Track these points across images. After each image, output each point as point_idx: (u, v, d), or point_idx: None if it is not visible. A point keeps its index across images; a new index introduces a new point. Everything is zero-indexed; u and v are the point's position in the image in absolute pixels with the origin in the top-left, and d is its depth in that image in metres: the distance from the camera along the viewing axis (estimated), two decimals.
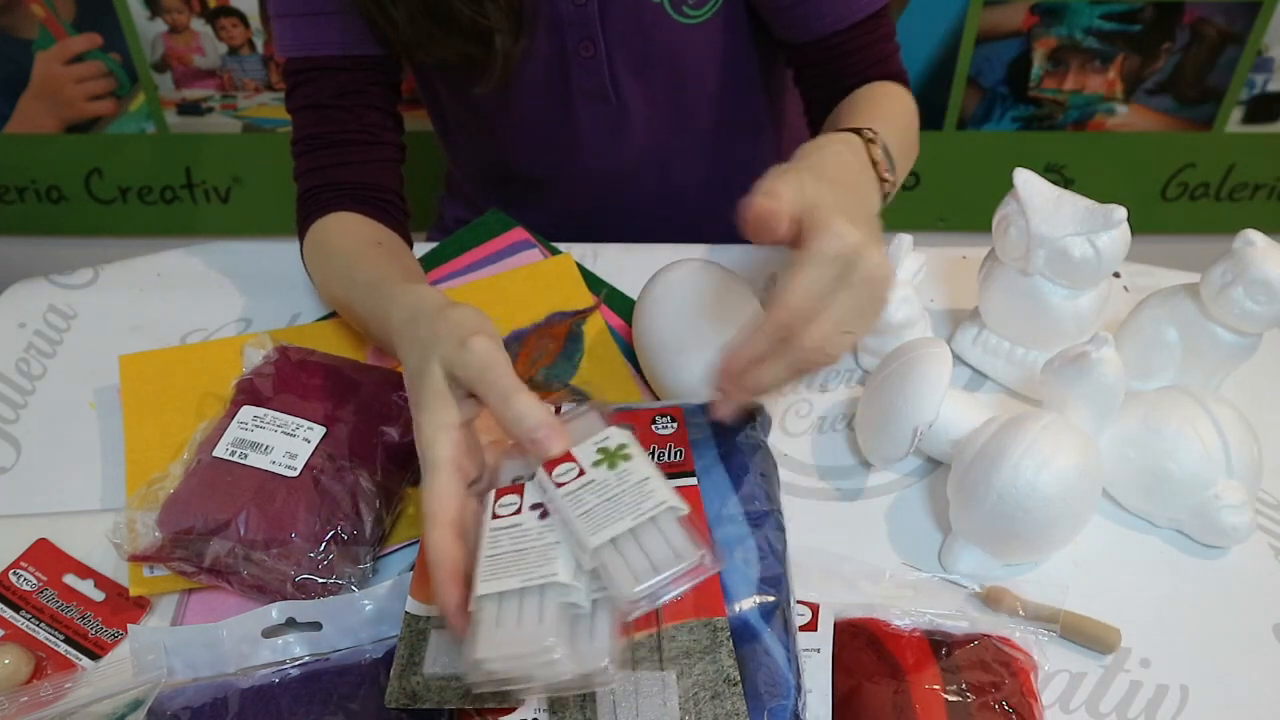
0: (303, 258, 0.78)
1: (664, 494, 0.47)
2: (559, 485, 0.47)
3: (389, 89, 0.81)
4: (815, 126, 0.85)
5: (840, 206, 0.52)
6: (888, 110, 0.76)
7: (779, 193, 0.52)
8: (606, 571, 0.45)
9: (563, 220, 0.91)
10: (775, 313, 0.51)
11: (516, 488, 0.49)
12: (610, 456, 0.48)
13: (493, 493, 0.50)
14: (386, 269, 0.70)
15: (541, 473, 0.48)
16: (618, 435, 0.50)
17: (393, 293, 0.61)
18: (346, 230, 0.75)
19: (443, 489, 0.49)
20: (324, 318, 0.80)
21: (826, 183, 0.55)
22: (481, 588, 0.45)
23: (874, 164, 0.65)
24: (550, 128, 0.87)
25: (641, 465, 0.48)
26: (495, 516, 0.48)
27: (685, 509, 0.47)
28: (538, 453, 0.49)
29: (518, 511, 0.48)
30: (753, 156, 0.95)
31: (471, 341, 0.50)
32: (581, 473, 0.48)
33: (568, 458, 0.48)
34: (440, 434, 0.50)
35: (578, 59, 0.81)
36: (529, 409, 0.49)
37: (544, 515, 0.48)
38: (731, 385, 0.54)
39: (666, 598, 0.45)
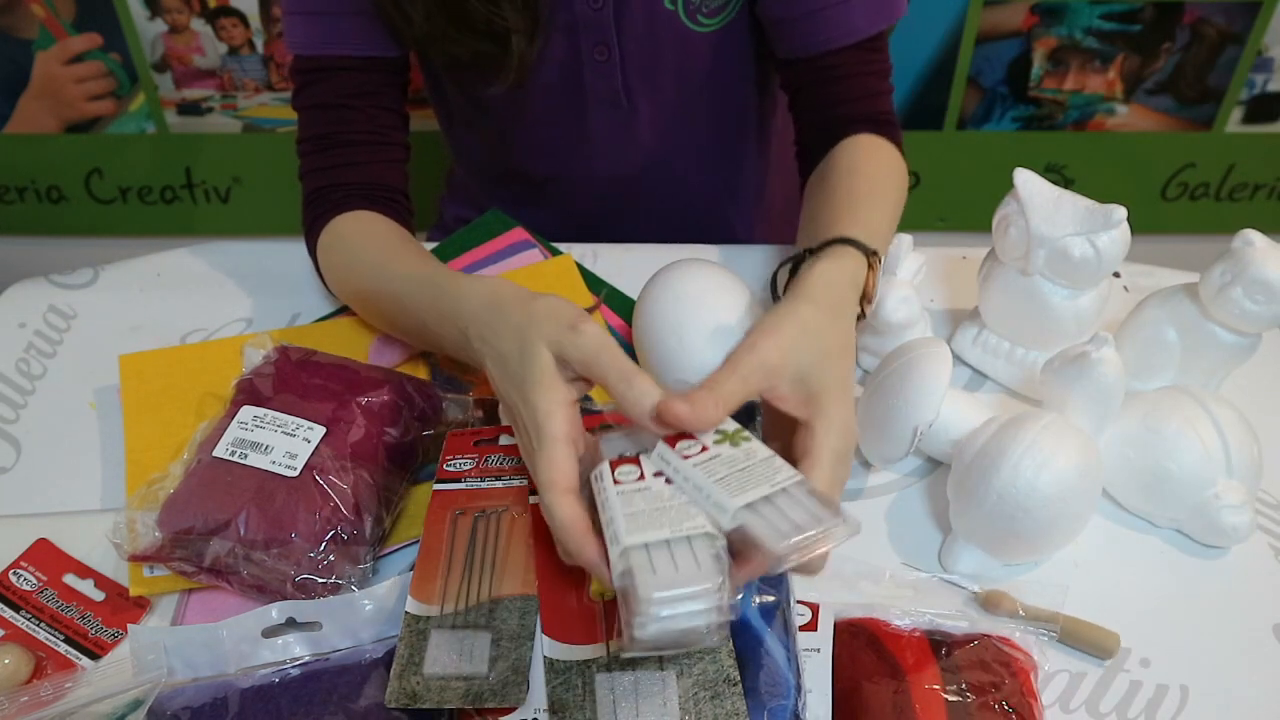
0: (313, 255, 0.78)
1: (792, 470, 0.48)
2: (685, 458, 0.49)
3: (398, 89, 0.81)
4: (803, 153, 0.82)
5: (839, 382, 0.54)
6: (886, 192, 0.73)
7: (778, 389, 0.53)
8: (749, 531, 0.45)
9: (566, 220, 0.91)
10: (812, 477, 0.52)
11: (632, 459, 0.50)
12: (730, 437, 0.50)
13: (607, 463, 0.50)
14: (428, 263, 0.70)
15: (664, 446, 0.49)
16: (732, 423, 0.51)
17: (457, 283, 0.62)
18: (370, 227, 0.75)
19: (561, 459, 0.50)
20: (324, 318, 0.80)
21: (822, 355, 0.54)
22: (628, 539, 0.45)
23: (864, 293, 0.64)
24: (561, 129, 0.87)
25: (762, 447, 0.49)
26: (616, 483, 0.49)
27: (815, 484, 0.48)
28: (662, 428, 0.50)
29: (640, 478, 0.49)
30: (759, 164, 0.96)
31: (583, 326, 0.52)
32: (705, 449, 0.49)
33: (688, 435, 0.50)
34: (556, 409, 0.51)
35: (592, 62, 0.81)
36: (651, 388, 0.50)
37: (668, 482, 0.49)
38: None
39: (807, 558, 0.45)
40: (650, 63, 0.82)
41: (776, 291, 0.68)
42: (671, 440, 0.50)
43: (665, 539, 0.46)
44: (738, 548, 0.46)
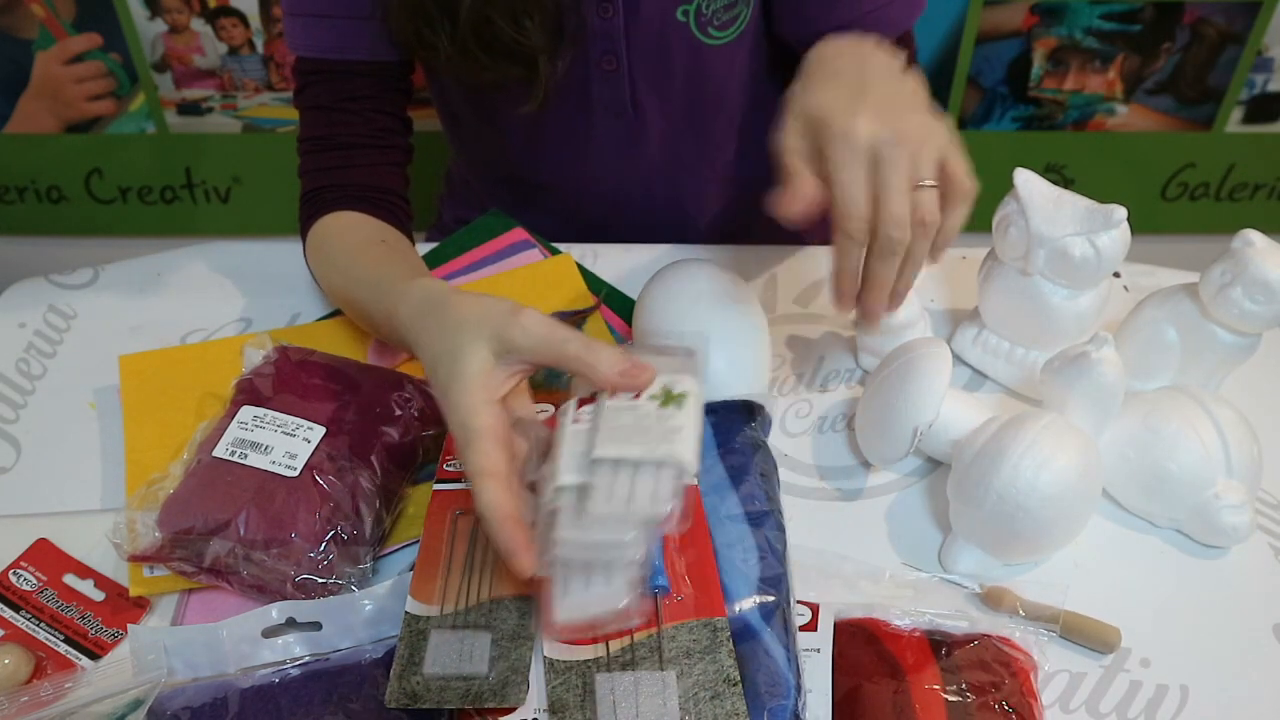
0: (305, 256, 0.78)
1: (688, 455, 0.48)
2: (609, 400, 0.51)
3: (399, 93, 0.81)
4: None
5: (851, 100, 0.56)
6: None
7: (793, 165, 0.56)
8: (591, 488, 0.48)
9: (567, 224, 0.91)
10: (843, 224, 0.55)
11: (590, 399, 0.53)
12: (668, 398, 0.51)
13: (574, 400, 0.53)
14: (389, 266, 0.70)
15: (604, 399, 0.52)
16: (690, 385, 0.51)
17: (396, 288, 0.63)
18: (349, 228, 0.75)
19: (489, 449, 0.51)
20: (324, 317, 0.80)
21: (830, 80, 0.58)
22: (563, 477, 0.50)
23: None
24: (566, 137, 0.87)
25: (681, 416, 0.50)
26: (575, 421, 0.52)
27: (692, 475, 0.49)
28: (627, 388, 0.52)
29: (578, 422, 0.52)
30: (765, 177, 0.95)
31: (524, 312, 0.53)
32: (636, 397, 0.51)
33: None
34: (481, 407, 0.52)
35: (600, 72, 0.81)
36: (611, 353, 0.52)
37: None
38: (860, 306, 0.58)
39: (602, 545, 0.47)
40: (659, 74, 0.82)
41: None
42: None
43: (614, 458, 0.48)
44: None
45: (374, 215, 0.77)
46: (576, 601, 0.48)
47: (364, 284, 0.69)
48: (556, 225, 0.89)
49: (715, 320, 0.66)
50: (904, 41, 0.81)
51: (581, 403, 0.53)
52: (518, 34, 0.73)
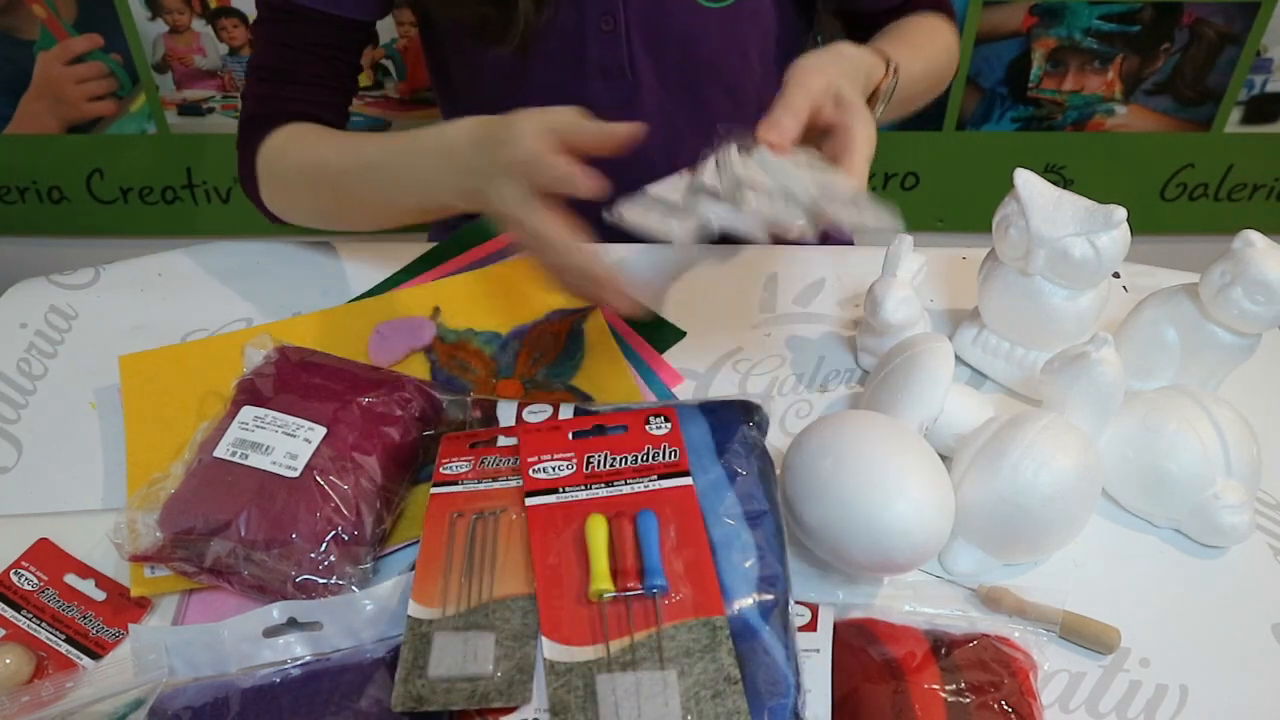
0: (252, 171, 0.81)
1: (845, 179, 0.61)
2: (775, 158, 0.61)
3: (356, 52, 0.84)
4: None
5: (859, 97, 0.65)
6: (926, 47, 0.85)
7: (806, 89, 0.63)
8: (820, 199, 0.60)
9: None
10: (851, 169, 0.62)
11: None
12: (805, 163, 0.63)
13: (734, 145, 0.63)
14: (383, 138, 0.74)
15: (764, 149, 0.61)
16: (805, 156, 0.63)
17: (441, 128, 0.68)
18: (319, 131, 0.79)
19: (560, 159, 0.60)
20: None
21: (850, 75, 0.67)
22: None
23: (875, 89, 0.73)
24: (562, 100, 0.87)
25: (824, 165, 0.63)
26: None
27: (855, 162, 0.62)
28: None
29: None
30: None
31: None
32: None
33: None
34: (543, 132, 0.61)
35: (596, 32, 0.81)
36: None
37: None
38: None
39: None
40: (656, 36, 0.83)
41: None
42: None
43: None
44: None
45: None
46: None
47: (366, 148, 0.73)
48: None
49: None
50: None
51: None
52: None
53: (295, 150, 0.78)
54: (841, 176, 0.60)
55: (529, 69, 0.84)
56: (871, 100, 0.72)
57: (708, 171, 0.63)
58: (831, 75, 0.64)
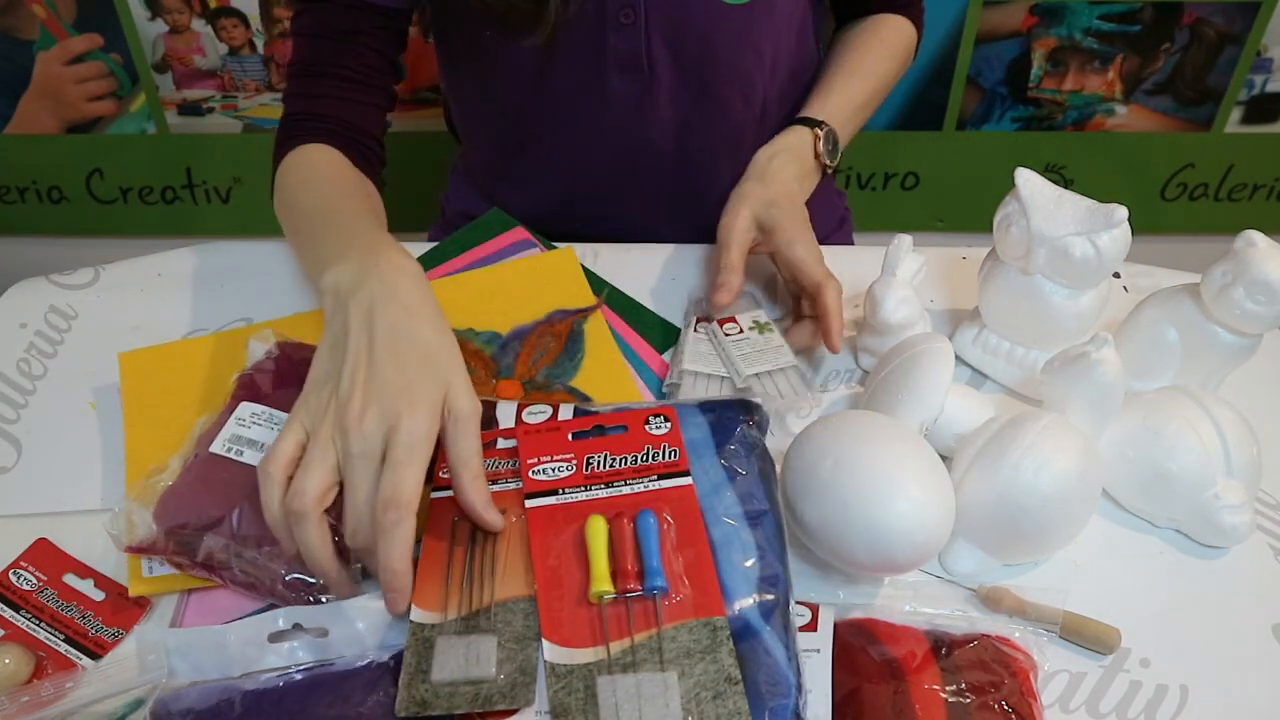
0: (273, 178, 0.80)
1: (791, 357, 0.72)
2: (726, 335, 0.74)
3: (396, 36, 0.84)
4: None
5: (788, 216, 0.76)
6: (869, 67, 0.91)
7: (736, 268, 0.75)
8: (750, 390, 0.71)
9: (571, 197, 0.90)
10: (832, 335, 0.73)
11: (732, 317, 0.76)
12: (760, 327, 0.75)
13: (693, 320, 0.76)
14: (356, 221, 0.71)
15: (716, 325, 0.75)
16: (764, 316, 0.76)
17: (360, 244, 0.66)
18: (319, 172, 0.78)
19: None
20: None
21: (775, 208, 0.76)
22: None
23: (816, 155, 0.84)
24: (579, 92, 0.87)
25: (777, 337, 0.74)
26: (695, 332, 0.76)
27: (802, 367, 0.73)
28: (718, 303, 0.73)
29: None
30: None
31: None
32: (741, 331, 0.74)
33: (732, 320, 0.75)
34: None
35: (616, 24, 0.81)
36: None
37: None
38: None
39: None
40: (676, 30, 0.83)
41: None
42: (720, 322, 0.75)
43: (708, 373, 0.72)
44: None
45: (348, 154, 0.79)
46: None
47: (328, 222, 0.71)
48: (560, 194, 0.88)
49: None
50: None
51: (699, 320, 0.76)
52: None
53: (290, 181, 0.78)
54: (786, 353, 0.73)
55: (549, 60, 0.84)
56: (819, 158, 0.84)
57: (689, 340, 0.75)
58: (753, 207, 0.76)
